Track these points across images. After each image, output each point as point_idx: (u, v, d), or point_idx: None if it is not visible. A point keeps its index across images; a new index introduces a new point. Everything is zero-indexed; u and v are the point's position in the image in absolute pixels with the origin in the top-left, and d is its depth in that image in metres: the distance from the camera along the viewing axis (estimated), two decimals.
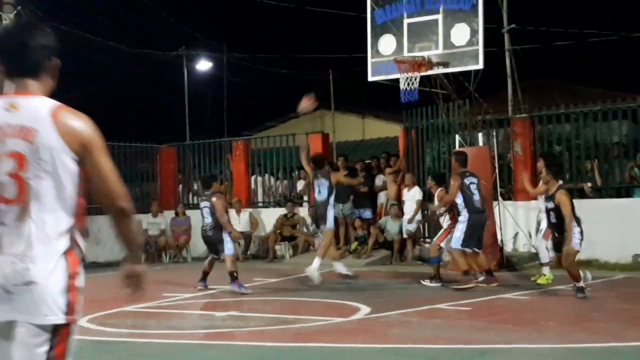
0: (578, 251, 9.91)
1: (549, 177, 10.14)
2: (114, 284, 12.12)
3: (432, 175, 12.89)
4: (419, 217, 15.65)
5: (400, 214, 15.66)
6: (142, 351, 7.43)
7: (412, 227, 15.44)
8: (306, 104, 11.73)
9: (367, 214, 16.82)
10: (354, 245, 16.53)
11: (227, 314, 9.57)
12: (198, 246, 17.31)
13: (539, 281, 11.58)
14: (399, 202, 16.05)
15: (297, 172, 19.30)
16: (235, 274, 11.99)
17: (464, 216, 11.28)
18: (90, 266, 17.58)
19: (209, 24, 35.73)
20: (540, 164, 12.15)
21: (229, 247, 12.08)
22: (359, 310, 9.33)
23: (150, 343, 7.76)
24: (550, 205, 9.98)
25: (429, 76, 14.46)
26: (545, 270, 11.76)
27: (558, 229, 9.95)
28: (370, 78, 14.84)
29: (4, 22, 18.65)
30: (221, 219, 12.08)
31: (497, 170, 14.98)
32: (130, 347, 7.65)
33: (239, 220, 18.28)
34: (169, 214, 19.18)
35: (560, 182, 10.39)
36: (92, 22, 25.82)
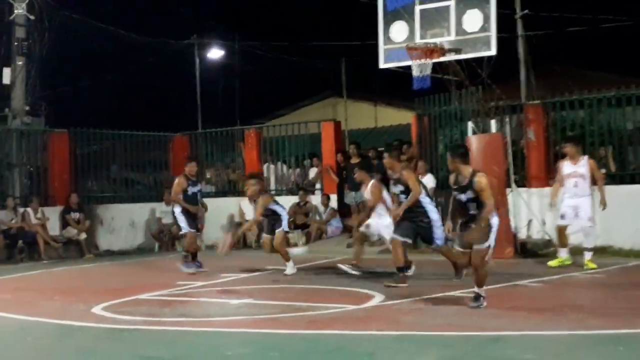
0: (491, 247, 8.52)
1: (458, 164, 8.58)
2: (127, 272, 12.28)
3: (363, 166, 12.13)
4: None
5: None
6: (157, 339, 7.47)
7: None
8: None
9: None
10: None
11: (241, 302, 9.60)
12: (211, 234, 17.36)
13: (592, 265, 11.66)
14: None
15: (309, 160, 19.31)
16: (186, 254, 12.83)
17: (435, 210, 10.59)
18: (104, 254, 17.69)
19: (221, 13, 35.70)
20: (569, 148, 12.10)
21: (182, 226, 12.98)
22: (372, 298, 9.34)
23: (165, 331, 7.79)
24: (469, 195, 8.47)
25: (441, 63, 14.40)
26: (588, 255, 11.86)
27: (477, 220, 8.45)
28: (382, 65, 14.78)
29: (16, 11, 18.67)
30: (174, 196, 13.16)
31: (510, 157, 14.91)
32: (145, 335, 7.68)
33: (252, 209, 18.30)
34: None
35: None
36: (103, 11, 25.86)
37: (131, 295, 10.21)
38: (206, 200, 18.71)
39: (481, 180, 8.37)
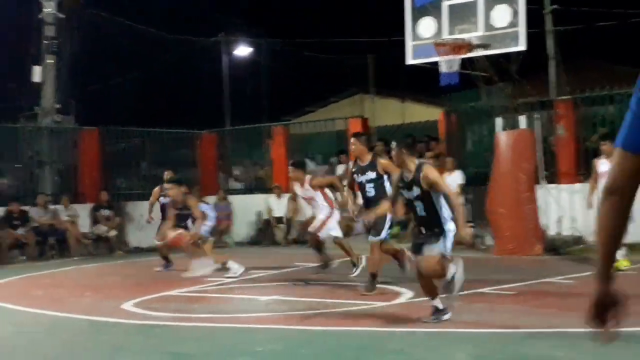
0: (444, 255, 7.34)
1: (404, 157, 7.56)
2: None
3: (297, 164, 11.35)
4: (461, 200, 15.50)
5: None
6: (186, 335, 7.51)
7: None
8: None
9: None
10: (395, 229, 16.46)
11: (270, 298, 9.62)
12: (240, 231, 17.44)
13: (624, 263, 11.35)
14: None
15: (336, 157, 19.31)
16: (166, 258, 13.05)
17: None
18: (134, 251, 17.80)
19: (248, 10, 35.78)
20: (606, 146, 11.86)
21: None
22: (401, 295, 9.31)
23: (195, 327, 7.83)
24: (415, 192, 7.41)
25: (469, 59, 14.32)
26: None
27: (427, 222, 7.43)
28: (409, 61, 14.73)
29: (45, 10, 18.82)
30: (149, 206, 13.81)
31: (540, 154, 14.80)
32: (175, 331, 7.74)
33: (280, 206, 18.36)
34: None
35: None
36: (131, 9, 26.03)
37: (161, 292, 10.27)
38: (234, 197, 18.84)
39: (428, 172, 7.39)
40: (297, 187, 11.06)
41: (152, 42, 25.50)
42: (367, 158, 9.83)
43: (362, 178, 9.80)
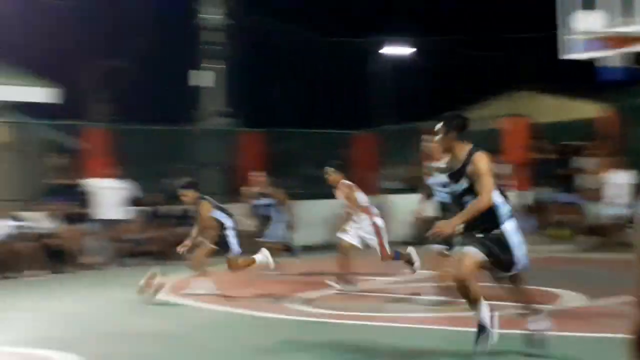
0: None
1: (452, 141, 6.23)
2: (318, 266, 12.43)
3: (333, 167, 10.72)
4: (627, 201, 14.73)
5: (605, 197, 14.92)
6: (348, 333, 7.67)
7: (620, 211, 14.60)
8: None
9: (569, 198, 16.27)
10: (564, 232, 15.92)
11: (428, 299, 9.58)
12: (397, 231, 17.44)
13: None
14: (603, 185, 15.33)
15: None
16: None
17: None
18: (296, 250, 18.13)
19: (404, 10, 35.81)
20: None
21: None
22: (568, 298, 9.08)
23: (357, 325, 7.99)
24: (464, 184, 6.08)
25: (634, 52, 13.76)
26: None
27: (481, 222, 6.03)
28: (566, 56, 14.24)
29: (207, 15, 19.51)
30: None
31: None
32: (337, 329, 7.92)
33: (429, 206, 18.25)
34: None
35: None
36: (288, 12, 26.64)
37: (323, 290, 10.49)
38: (390, 197, 18.91)
39: (479, 161, 5.98)
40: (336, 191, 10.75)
41: (308, 43, 25.99)
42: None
43: (434, 180, 9.38)
